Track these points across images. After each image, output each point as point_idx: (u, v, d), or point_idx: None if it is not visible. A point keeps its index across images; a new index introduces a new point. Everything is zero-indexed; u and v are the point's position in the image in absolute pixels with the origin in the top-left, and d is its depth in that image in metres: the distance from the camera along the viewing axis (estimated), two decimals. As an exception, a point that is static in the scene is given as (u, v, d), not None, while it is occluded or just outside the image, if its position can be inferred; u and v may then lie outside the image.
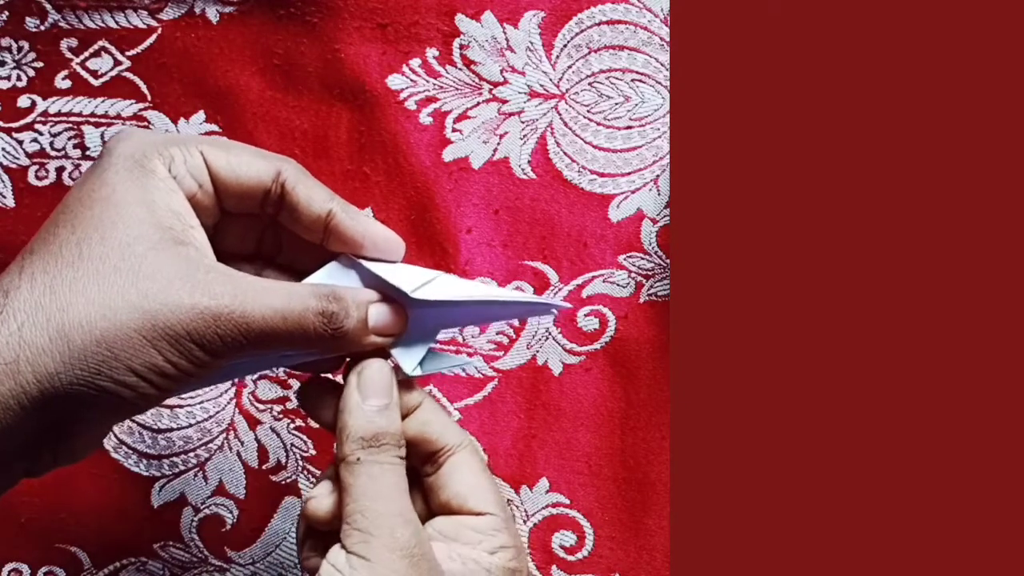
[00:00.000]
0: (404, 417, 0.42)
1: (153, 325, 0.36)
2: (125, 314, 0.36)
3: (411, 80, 0.54)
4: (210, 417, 0.53)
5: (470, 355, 0.53)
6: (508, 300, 0.43)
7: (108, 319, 0.35)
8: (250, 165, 0.40)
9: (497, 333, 0.53)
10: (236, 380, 0.53)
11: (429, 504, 0.43)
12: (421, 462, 0.43)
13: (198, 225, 0.39)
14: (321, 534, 0.41)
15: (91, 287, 0.36)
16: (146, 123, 0.54)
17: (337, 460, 0.40)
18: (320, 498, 0.41)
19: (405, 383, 0.42)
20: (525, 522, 0.52)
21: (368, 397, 0.40)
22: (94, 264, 0.36)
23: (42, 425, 0.36)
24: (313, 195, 0.41)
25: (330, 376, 0.44)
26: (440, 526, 0.42)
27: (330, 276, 0.42)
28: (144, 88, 0.54)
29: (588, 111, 0.53)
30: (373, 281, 0.41)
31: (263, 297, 0.38)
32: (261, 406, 0.53)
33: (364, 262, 0.41)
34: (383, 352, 0.42)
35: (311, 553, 0.42)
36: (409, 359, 0.42)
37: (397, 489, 0.39)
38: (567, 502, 0.52)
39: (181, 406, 0.53)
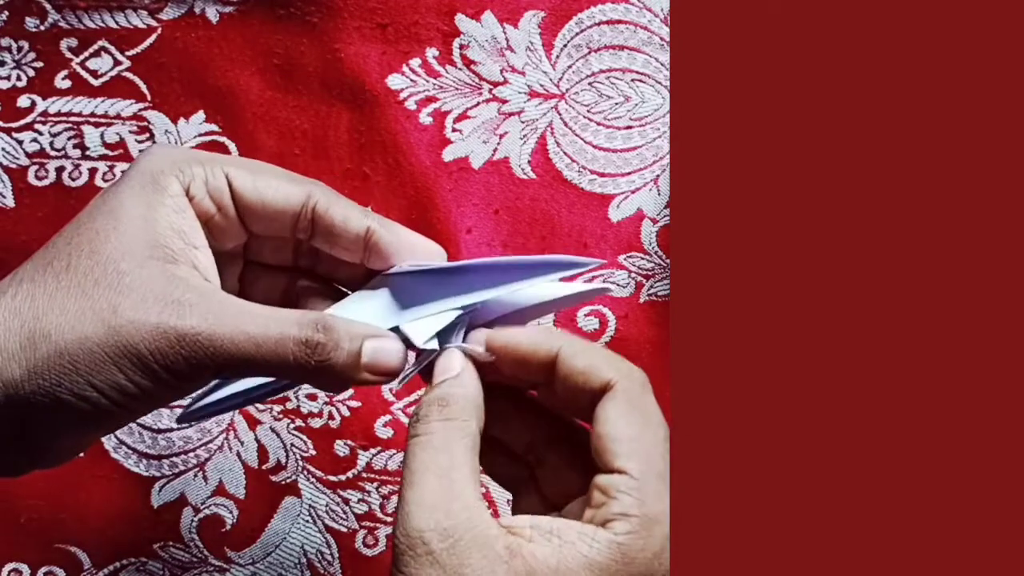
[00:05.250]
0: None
1: (116, 342, 0.35)
2: (91, 328, 0.35)
3: (411, 80, 0.54)
4: (210, 417, 0.53)
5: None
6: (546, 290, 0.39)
7: (76, 331, 0.35)
8: (278, 189, 0.39)
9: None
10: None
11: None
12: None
13: (204, 246, 0.38)
14: None
15: (69, 299, 0.35)
16: (146, 123, 0.54)
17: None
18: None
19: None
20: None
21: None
22: (78, 277, 0.35)
23: (9, 431, 0.35)
24: (349, 215, 0.39)
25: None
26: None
27: (355, 302, 0.40)
28: (144, 88, 0.54)
29: (588, 111, 0.53)
30: (405, 282, 0.40)
31: (237, 321, 0.36)
32: (261, 406, 0.53)
33: (398, 266, 0.40)
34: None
35: None
36: (422, 330, 0.39)
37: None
38: (567, 502, 0.52)
39: (181, 407, 0.53)
